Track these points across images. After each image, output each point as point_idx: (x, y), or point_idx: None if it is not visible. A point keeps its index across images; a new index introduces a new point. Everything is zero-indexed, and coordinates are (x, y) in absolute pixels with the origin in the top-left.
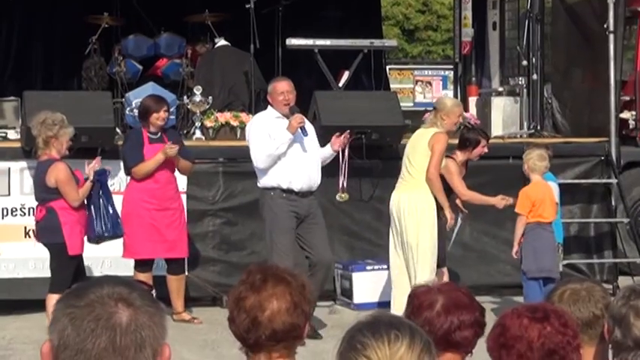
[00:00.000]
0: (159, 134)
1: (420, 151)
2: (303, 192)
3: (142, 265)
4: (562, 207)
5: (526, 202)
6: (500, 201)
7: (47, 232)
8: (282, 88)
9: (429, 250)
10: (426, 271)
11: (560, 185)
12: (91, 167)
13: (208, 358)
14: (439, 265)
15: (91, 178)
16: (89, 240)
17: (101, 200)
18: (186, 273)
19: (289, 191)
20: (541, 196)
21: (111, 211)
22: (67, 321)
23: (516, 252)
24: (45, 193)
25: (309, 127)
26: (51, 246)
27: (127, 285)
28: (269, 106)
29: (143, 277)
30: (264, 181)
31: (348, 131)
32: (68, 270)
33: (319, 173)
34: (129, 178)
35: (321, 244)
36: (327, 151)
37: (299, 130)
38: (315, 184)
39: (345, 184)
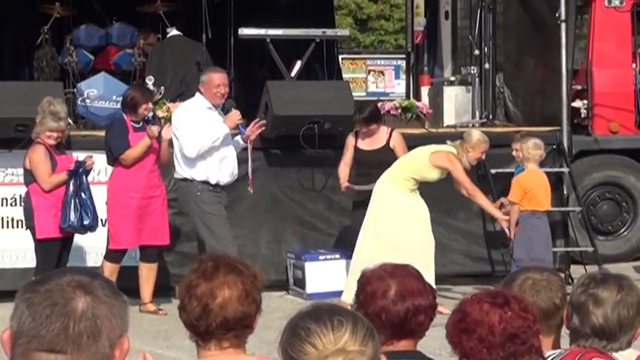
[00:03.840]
0: (141, 123)
1: (419, 155)
2: (226, 185)
3: (114, 255)
4: None
5: (518, 191)
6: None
7: (25, 215)
8: (220, 80)
9: (421, 249)
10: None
11: (512, 175)
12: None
13: (162, 348)
14: None
15: (71, 167)
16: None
17: (71, 192)
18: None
19: (216, 185)
20: (535, 185)
21: (79, 205)
22: (25, 307)
23: (511, 238)
24: (26, 175)
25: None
26: (28, 229)
27: (89, 274)
28: (198, 95)
29: (110, 268)
30: (189, 173)
31: (262, 121)
32: (44, 254)
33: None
34: (112, 168)
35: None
36: (238, 144)
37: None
38: (235, 177)
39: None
